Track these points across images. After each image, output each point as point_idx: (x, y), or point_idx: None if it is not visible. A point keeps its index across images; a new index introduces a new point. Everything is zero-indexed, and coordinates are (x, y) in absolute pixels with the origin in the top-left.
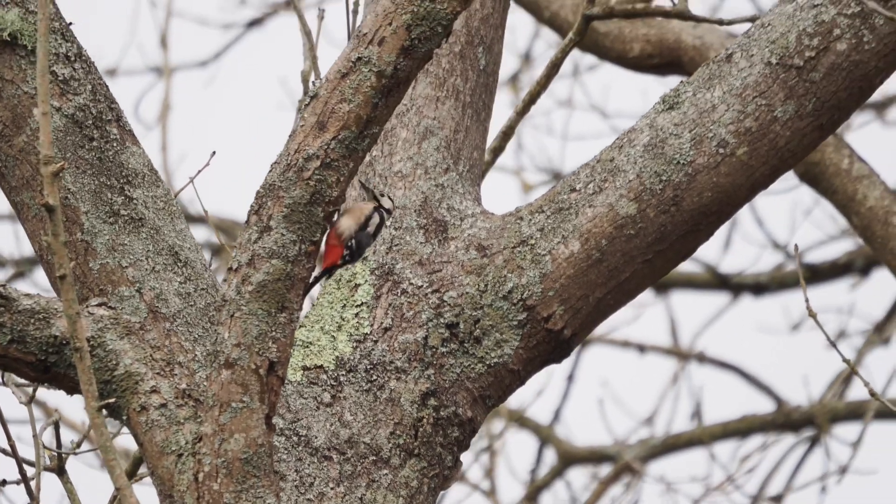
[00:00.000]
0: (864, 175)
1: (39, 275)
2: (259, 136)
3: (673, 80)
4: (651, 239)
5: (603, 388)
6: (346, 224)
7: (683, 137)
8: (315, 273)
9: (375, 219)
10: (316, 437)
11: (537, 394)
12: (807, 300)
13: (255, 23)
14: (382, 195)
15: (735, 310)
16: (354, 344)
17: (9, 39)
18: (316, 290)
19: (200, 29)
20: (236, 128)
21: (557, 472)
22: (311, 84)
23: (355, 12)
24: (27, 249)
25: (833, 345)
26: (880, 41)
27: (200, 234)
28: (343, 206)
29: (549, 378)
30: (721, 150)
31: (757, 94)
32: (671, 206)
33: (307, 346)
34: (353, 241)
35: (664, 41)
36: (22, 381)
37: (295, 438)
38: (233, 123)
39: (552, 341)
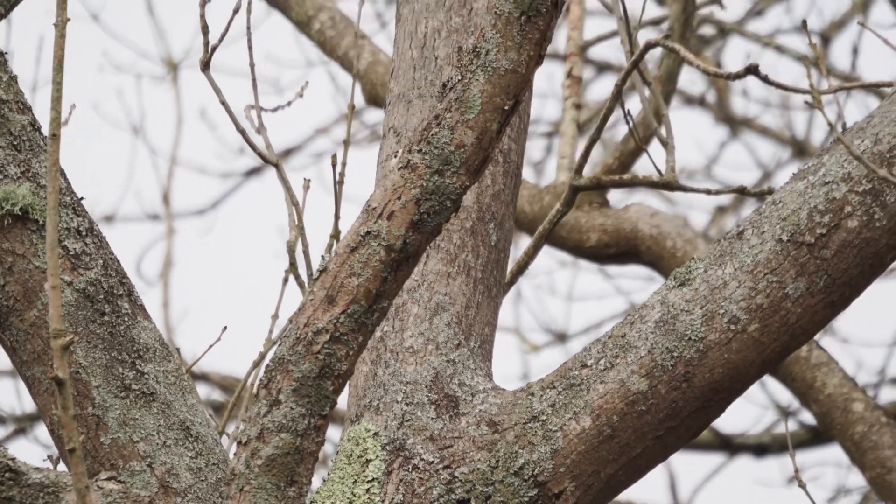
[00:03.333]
0: (823, 362)
1: (40, 431)
2: (257, 285)
3: (632, 269)
4: (662, 415)
5: None
6: None
7: (695, 314)
8: None
9: None
10: None
11: None
12: (796, 470)
13: (253, 172)
14: None
15: (736, 470)
16: None
17: (20, 214)
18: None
19: (198, 178)
20: (234, 277)
21: None
22: (297, 255)
23: (341, 182)
24: (28, 405)
25: None
26: (891, 218)
27: (202, 391)
28: None
29: None
30: (732, 327)
31: (768, 271)
32: (682, 382)
33: None
34: None
35: (621, 231)
36: None
37: None
38: (230, 273)
39: None
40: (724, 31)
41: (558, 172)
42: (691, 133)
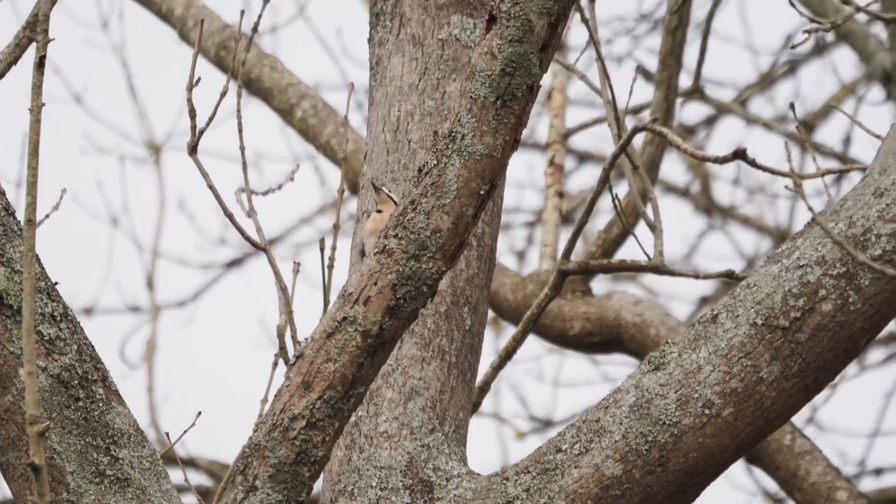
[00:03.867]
0: (807, 451)
1: None
2: (239, 375)
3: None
4: (637, 500)
5: None
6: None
7: (669, 398)
8: None
9: None
10: None
11: None
12: None
13: (234, 263)
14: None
15: None
16: None
17: None
18: None
19: (179, 269)
20: (216, 367)
21: None
22: (286, 339)
23: (331, 267)
24: (6, 490)
25: None
26: (865, 302)
27: (191, 476)
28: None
29: None
30: (707, 411)
31: (742, 355)
32: (657, 466)
33: None
34: None
35: (604, 319)
36: None
37: None
38: (212, 363)
39: None
40: (710, 119)
41: (541, 261)
42: (672, 222)
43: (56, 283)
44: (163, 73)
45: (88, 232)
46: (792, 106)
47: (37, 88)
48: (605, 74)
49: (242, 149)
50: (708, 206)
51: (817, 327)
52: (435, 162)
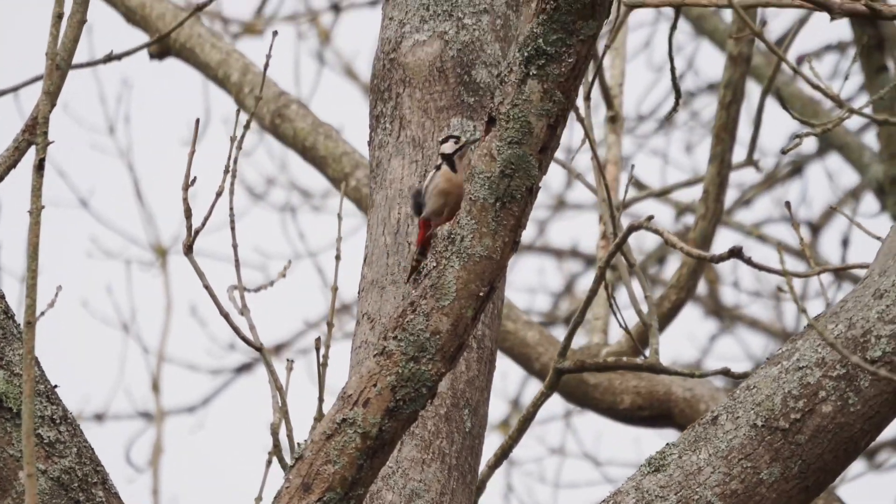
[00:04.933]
0: None
1: None
2: (247, 479)
3: (664, 433)
4: None
5: None
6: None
7: (670, 500)
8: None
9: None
10: None
11: None
12: None
13: (243, 368)
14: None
15: None
16: None
17: None
18: None
19: (189, 374)
20: (226, 471)
21: None
22: (281, 437)
23: (325, 365)
24: None
25: None
26: (865, 403)
27: None
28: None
29: None
30: None
31: (742, 457)
32: None
33: None
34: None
35: (654, 393)
36: None
37: None
38: (222, 467)
39: None
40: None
41: (591, 334)
42: (681, 325)
43: (56, 386)
44: (170, 175)
45: (100, 337)
46: (787, 205)
47: (36, 191)
48: (600, 173)
49: (235, 246)
50: (716, 308)
51: (817, 429)
52: (434, 263)
